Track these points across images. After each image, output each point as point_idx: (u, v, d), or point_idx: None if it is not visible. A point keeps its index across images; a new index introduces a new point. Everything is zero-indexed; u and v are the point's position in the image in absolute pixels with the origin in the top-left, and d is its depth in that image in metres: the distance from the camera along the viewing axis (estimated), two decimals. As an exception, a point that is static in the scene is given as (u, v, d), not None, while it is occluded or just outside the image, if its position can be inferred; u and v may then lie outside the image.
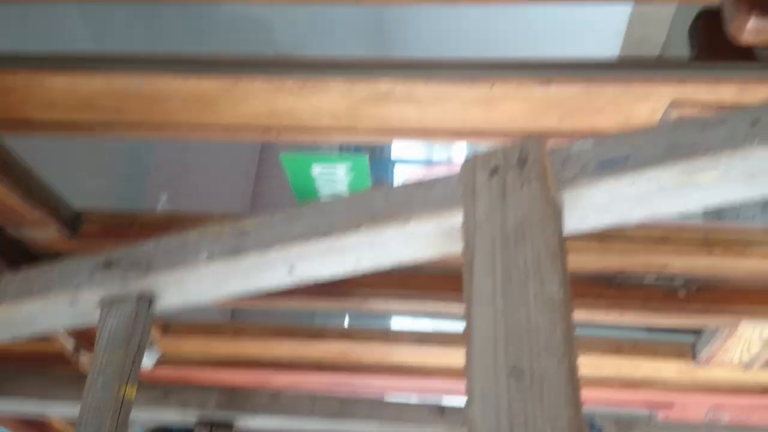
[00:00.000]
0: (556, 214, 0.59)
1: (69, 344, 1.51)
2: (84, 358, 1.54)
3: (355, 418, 1.06)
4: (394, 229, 0.69)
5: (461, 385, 1.58)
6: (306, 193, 1.38)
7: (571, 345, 0.55)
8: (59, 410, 0.99)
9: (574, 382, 0.54)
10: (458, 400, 1.48)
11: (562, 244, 0.58)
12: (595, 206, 0.63)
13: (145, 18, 2.20)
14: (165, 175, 2.27)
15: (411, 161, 3.92)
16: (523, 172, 0.63)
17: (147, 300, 0.79)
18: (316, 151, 1.47)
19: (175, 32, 2.34)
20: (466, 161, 0.67)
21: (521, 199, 0.61)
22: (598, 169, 0.60)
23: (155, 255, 0.78)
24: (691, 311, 1.28)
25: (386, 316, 2.88)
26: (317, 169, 1.32)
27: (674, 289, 1.28)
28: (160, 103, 1.02)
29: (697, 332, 1.42)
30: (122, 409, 0.73)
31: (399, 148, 3.82)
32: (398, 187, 0.71)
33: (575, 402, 0.53)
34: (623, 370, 1.47)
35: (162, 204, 1.67)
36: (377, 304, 1.36)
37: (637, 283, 1.26)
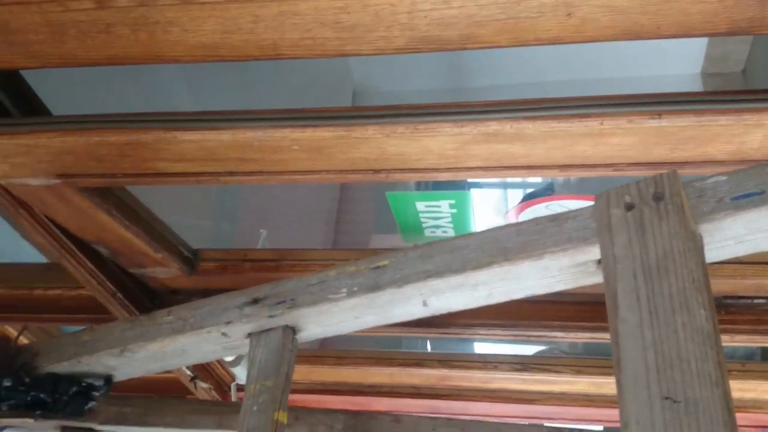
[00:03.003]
0: (697, 246, 0.63)
1: (187, 375, 1.60)
2: (201, 387, 1.62)
3: (475, 444, 1.09)
4: (528, 265, 0.74)
5: (563, 410, 1.59)
6: (411, 228, 1.44)
7: (723, 372, 0.58)
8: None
9: (728, 407, 0.56)
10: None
11: (707, 274, 0.61)
12: (731, 237, 0.65)
13: (235, 69, 2.32)
14: (254, 214, 2.37)
15: (486, 185, 3.93)
16: (660, 207, 0.66)
17: (291, 332, 0.85)
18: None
19: (260, 79, 2.46)
20: (599, 197, 0.71)
21: (661, 233, 0.64)
22: (735, 203, 0.63)
23: (298, 292, 0.84)
24: (802, 333, 1.27)
25: (470, 340, 2.90)
26: (421, 206, 1.38)
27: (785, 311, 1.27)
28: (279, 153, 1.09)
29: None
30: (277, 432, 0.79)
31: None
32: (529, 223, 0.76)
33: (731, 425, 0.56)
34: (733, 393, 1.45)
35: (262, 240, 1.76)
36: (480, 332, 1.40)
37: (747, 306, 1.26)
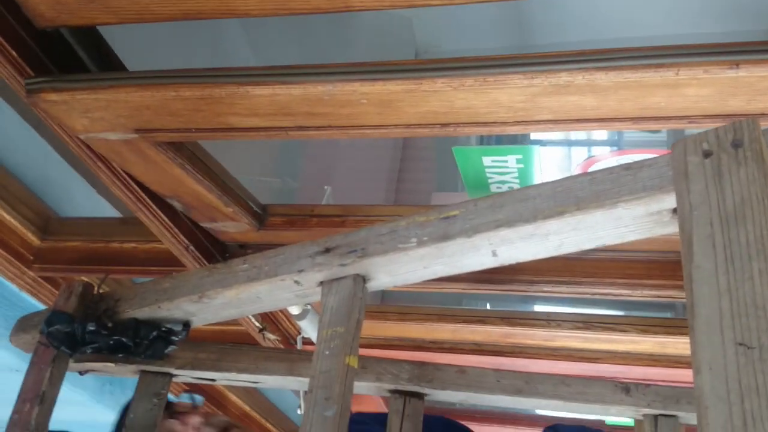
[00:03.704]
0: (776, 193, 0.61)
1: (255, 327, 1.67)
2: (268, 338, 1.69)
3: (539, 395, 1.10)
4: (601, 214, 0.73)
5: (627, 369, 1.59)
6: (476, 184, 1.45)
7: (801, 319, 0.57)
8: (270, 381, 1.11)
9: (806, 355, 0.56)
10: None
11: (785, 222, 0.60)
12: (813, 185, 0.64)
13: (296, 28, 2.34)
14: (316, 172, 2.41)
15: (549, 143, 3.87)
16: (738, 154, 0.65)
17: (362, 280, 0.87)
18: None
19: (321, 39, 2.47)
20: (676, 145, 0.70)
21: (739, 180, 0.63)
22: (818, 149, 0.61)
23: (369, 242, 0.86)
24: None
25: (531, 302, 2.90)
26: (488, 160, 1.39)
27: None
28: (348, 107, 1.10)
29: None
30: (348, 376, 0.82)
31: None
32: (603, 172, 0.75)
33: (808, 373, 0.55)
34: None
35: (327, 197, 1.80)
36: (544, 289, 1.40)
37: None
